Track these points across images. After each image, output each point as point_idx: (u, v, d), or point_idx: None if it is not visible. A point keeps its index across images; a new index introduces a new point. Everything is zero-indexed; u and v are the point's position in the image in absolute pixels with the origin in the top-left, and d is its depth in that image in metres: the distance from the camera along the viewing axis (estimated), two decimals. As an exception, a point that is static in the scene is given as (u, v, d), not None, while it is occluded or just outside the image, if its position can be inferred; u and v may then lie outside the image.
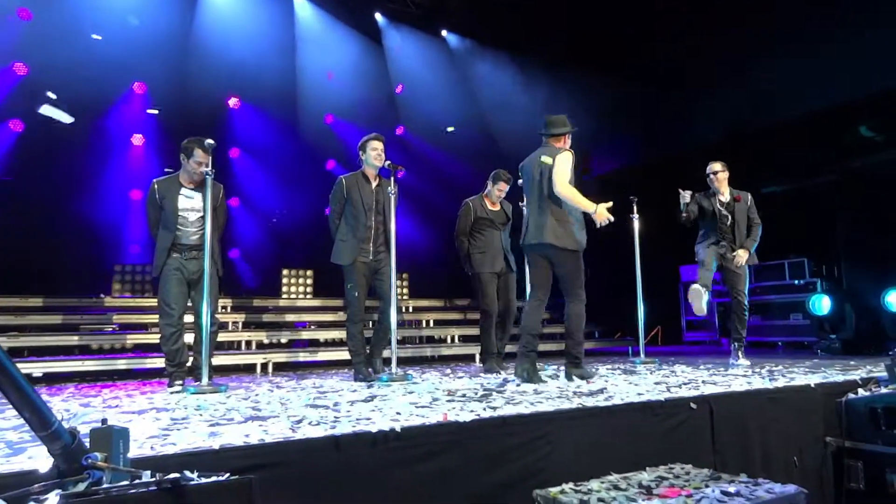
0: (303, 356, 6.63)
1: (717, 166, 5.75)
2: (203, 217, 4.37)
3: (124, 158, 8.59)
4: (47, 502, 1.36)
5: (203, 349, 4.18)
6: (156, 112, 8.12)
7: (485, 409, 2.77)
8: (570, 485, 2.44)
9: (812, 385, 3.59)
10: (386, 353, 4.94)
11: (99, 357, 5.99)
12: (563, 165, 4.24)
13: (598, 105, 8.75)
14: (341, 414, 2.77)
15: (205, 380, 4.09)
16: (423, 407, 2.95)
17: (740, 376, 4.22)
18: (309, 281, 9.58)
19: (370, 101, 10.29)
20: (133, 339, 6.32)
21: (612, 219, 4.17)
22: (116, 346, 6.49)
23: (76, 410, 3.25)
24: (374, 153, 4.80)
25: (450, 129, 8.29)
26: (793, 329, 8.27)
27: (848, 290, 7.75)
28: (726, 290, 5.80)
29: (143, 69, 8.41)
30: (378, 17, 10.34)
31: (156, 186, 4.47)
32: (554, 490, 2.38)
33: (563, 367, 4.71)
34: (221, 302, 7.36)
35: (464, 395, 3.42)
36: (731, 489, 2.33)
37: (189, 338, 4.68)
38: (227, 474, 1.62)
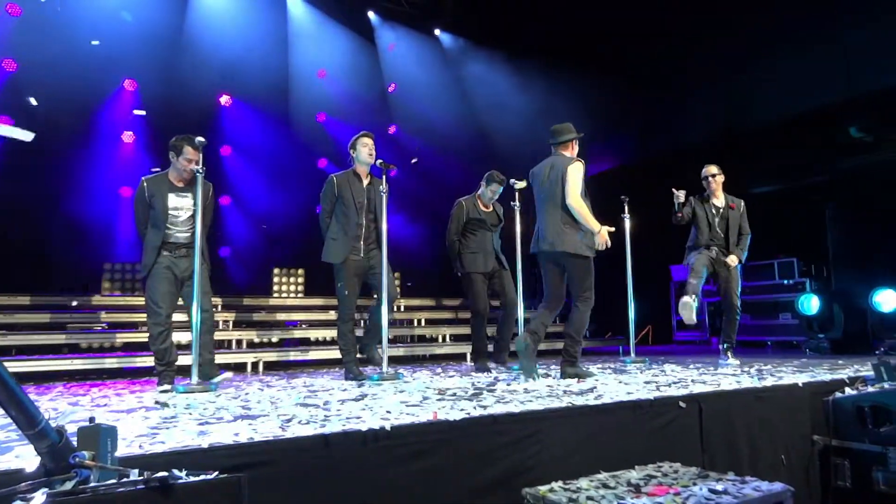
0: (293, 355, 6.62)
1: (713, 169, 5.77)
2: (193, 216, 4.34)
3: (114, 156, 8.53)
4: (34, 501, 1.35)
5: (194, 348, 4.15)
6: (142, 113, 8.07)
7: (475, 408, 2.78)
8: (560, 483, 2.45)
9: (800, 384, 3.62)
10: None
11: (88, 356, 5.96)
12: (574, 177, 4.36)
13: (589, 106, 8.77)
14: (331, 413, 2.77)
15: (194, 379, 4.06)
16: (413, 405, 2.95)
17: (729, 375, 4.25)
18: (300, 280, 9.57)
19: (363, 100, 10.26)
20: (122, 337, 6.29)
21: (609, 244, 4.37)
22: (105, 345, 6.45)
23: (64, 409, 3.23)
24: (366, 150, 4.79)
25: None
26: (782, 328, 8.34)
27: (836, 290, 7.81)
28: (716, 291, 5.82)
29: (134, 66, 8.36)
30: (371, 15, 10.33)
31: (145, 184, 4.43)
32: (543, 488, 2.39)
33: (553, 366, 4.73)
34: (212, 300, 7.34)
35: (454, 394, 3.43)
36: (719, 487, 2.35)
37: (186, 336, 4.63)
38: (216, 473, 1.62)
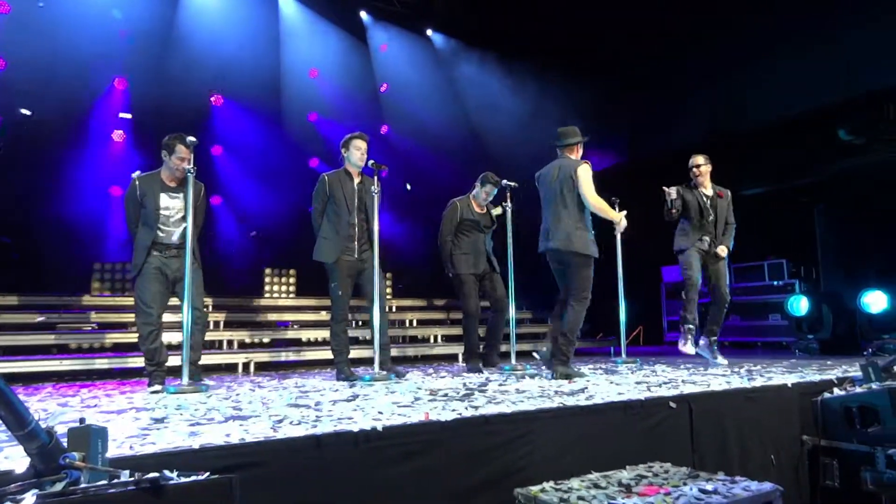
0: (285, 356, 6.60)
1: (699, 159, 5.75)
2: (185, 216, 4.32)
3: (104, 155, 8.47)
4: (24, 502, 1.35)
5: (184, 346, 4.13)
6: (128, 116, 8.05)
7: (467, 409, 2.78)
8: (551, 483, 2.46)
9: (789, 384, 3.65)
10: (368, 353, 4.93)
11: (77, 356, 5.92)
12: (586, 178, 4.53)
13: (581, 106, 8.80)
14: (323, 413, 2.77)
15: (185, 380, 4.05)
16: (405, 406, 2.95)
17: (719, 376, 4.28)
18: (292, 280, 9.54)
19: (355, 100, 10.25)
20: (112, 338, 6.25)
21: (626, 225, 4.80)
22: (95, 346, 6.41)
23: (54, 410, 3.21)
24: (358, 153, 4.79)
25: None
26: (771, 329, 8.40)
27: (825, 292, 7.88)
28: (705, 283, 5.80)
29: (125, 64, 8.31)
30: (363, 14, 10.31)
31: (137, 183, 4.40)
32: (535, 489, 2.39)
33: (545, 367, 4.75)
34: (204, 300, 7.30)
35: (446, 395, 3.43)
36: (709, 487, 2.36)
37: (176, 337, 4.61)
38: (207, 474, 1.61)
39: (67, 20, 7.70)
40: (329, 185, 4.76)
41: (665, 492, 2.29)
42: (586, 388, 3.69)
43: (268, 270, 9.43)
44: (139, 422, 2.66)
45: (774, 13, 7.66)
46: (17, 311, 6.36)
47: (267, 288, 9.39)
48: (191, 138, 4.27)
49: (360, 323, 6.79)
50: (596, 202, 4.53)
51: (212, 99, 9.38)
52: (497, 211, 5.62)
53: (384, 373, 4.58)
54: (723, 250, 5.58)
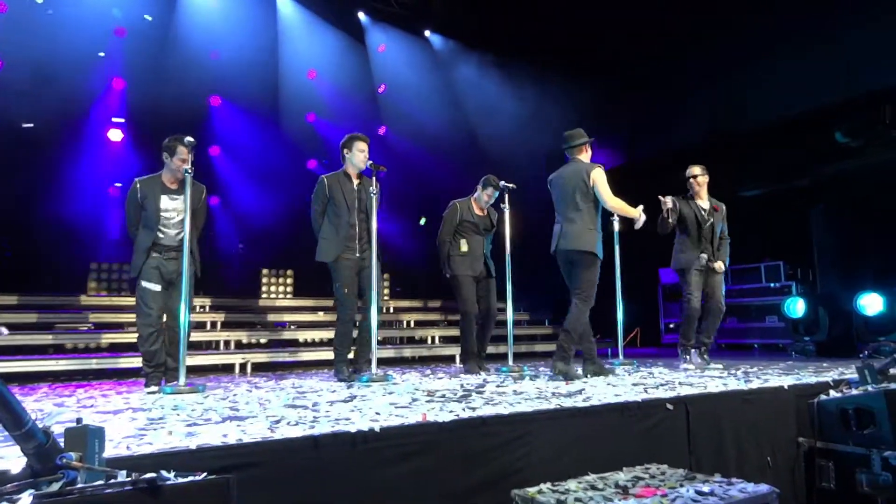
0: (282, 356, 6.59)
1: (696, 170, 5.71)
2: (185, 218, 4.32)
3: (102, 155, 8.47)
4: (20, 502, 1.34)
5: (181, 349, 4.13)
6: (121, 121, 8.04)
7: (464, 410, 2.78)
8: (548, 485, 2.46)
9: (785, 387, 3.65)
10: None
11: (73, 356, 5.91)
12: (602, 181, 4.63)
13: (580, 107, 8.81)
14: (320, 414, 2.76)
15: (182, 380, 4.04)
16: (402, 407, 2.95)
17: (716, 378, 4.28)
18: (289, 281, 9.54)
19: (353, 101, 10.25)
20: (108, 338, 6.24)
21: (644, 217, 4.85)
22: (91, 346, 6.40)
23: (50, 410, 3.20)
24: (362, 155, 4.81)
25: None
26: (768, 331, 8.41)
27: (822, 294, 7.90)
28: (703, 296, 5.80)
29: (123, 65, 8.30)
30: (361, 15, 10.31)
31: (138, 185, 4.41)
32: (532, 490, 2.39)
33: (542, 368, 4.76)
34: (200, 301, 7.31)
35: (443, 396, 3.43)
36: (706, 489, 2.36)
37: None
38: (205, 474, 1.61)
39: (66, 20, 7.69)
40: (328, 186, 4.79)
41: (662, 493, 2.30)
42: (583, 389, 3.70)
43: (265, 271, 9.43)
44: (136, 422, 2.65)
45: (774, 13, 7.64)
46: (14, 311, 6.35)
47: (264, 289, 9.39)
48: (189, 139, 4.27)
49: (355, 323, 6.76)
50: (615, 203, 4.67)
51: (210, 100, 9.38)
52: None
53: (382, 373, 4.59)
54: (720, 266, 5.57)
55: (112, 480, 1.50)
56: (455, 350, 7.25)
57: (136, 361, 5.28)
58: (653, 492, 2.32)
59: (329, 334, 7.28)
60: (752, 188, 9.10)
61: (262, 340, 7.25)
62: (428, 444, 2.37)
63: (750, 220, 8.29)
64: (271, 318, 7.73)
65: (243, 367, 6.15)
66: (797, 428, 3.59)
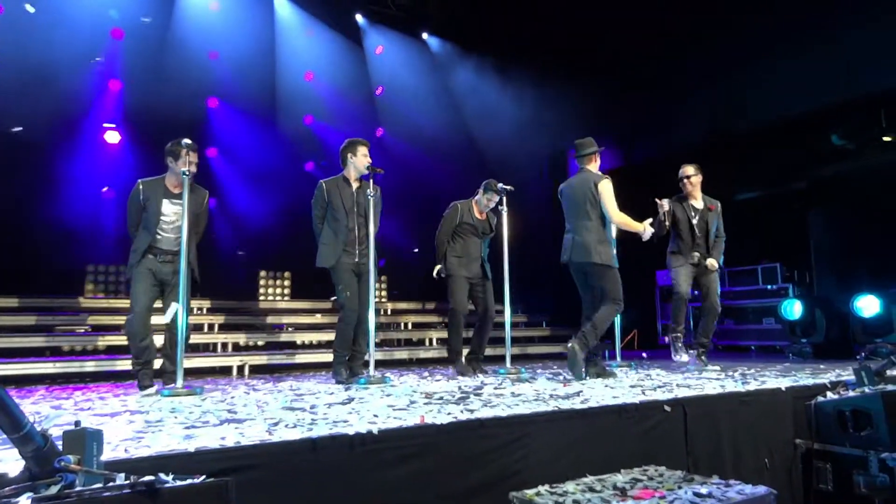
0: (280, 358, 6.59)
1: (689, 170, 5.70)
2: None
3: (99, 157, 8.45)
4: (18, 506, 1.34)
5: (179, 352, 4.12)
6: (111, 126, 8.05)
7: (462, 412, 2.78)
8: (546, 487, 2.46)
9: (783, 388, 3.66)
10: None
11: (70, 358, 5.89)
12: (608, 194, 4.72)
13: (577, 110, 8.82)
14: (318, 416, 2.76)
15: (179, 382, 4.03)
16: (400, 409, 2.96)
17: (713, 380, 4.29)
18: (286, 283, 9.53)
19: (350, 103, 10.25)
20: (106, 340, 6.23)
21: (651, 231, 4.91)
22: (89, 348, 6.39)
23: (48, 413, 3.19)
24: (365, 160, 4.84)
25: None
26: (765, 333, 8.42)
27: (819, 296, 7.92)
28: (698, 296, 5.82)
29: (120, 66, 8.29)
30: (359, 17, 10.32)
31: (141, 187, 4.41)
32: (530, 492, 2.40)
33: (539, 370, 4.77)
34: (198, 303, 7.29)
35: (441, 398, 3.43)
36: (704, 490, 2.37)
37: (158, 340, 4.58)
38: (203, 477, 1.61)
39: (62, 21, 7.67)
40: (327, 191, 4.80)
41: (660, 495, 2.30)
42: (581, 391, 3.70)
43: (263, 273, 9.42)
44: (134, 424, 2.65)
45: (774, 13, 7.64)
46: (10, 314, 6.33)
47: (262, 291, 9.38)
48: (186, 140, 4.28)
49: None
50: (619, 218, 4.74)
51: (208, 102, 9.37)
52: (494, 202, 5.61)
53: (379, 375, 4.59)
54: (713, 264, 5.57)
55: (110, 483, 1.49)
56: (453, 352, 7.24)
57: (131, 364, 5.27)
58: (651, 494, 2.33)
59: (326, 336, 7.28)
60: (749, 190, 9.12)
61: (260, 343, 7.24)
62: (426, 447, 2.37)
63: (747, 222, 8.31)
64: (269, 320, 7.73)
65: (241, 369, 6.14)
66: (794, 430, 3.59)
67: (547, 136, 9.89)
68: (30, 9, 7.27)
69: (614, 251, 4.79)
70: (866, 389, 3.58)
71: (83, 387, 4.92)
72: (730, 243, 5.82)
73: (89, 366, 5.64)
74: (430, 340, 7.92)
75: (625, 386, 3.96)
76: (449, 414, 2.71)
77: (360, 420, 2.58)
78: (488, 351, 5.74)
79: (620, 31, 8.75)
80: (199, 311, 7.25)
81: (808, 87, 7.64)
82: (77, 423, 1.59)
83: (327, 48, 9.99)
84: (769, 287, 8.47)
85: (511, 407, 2.94)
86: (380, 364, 6.32)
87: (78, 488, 1.46)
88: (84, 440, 1.54)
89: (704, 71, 8.72)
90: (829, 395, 3.70)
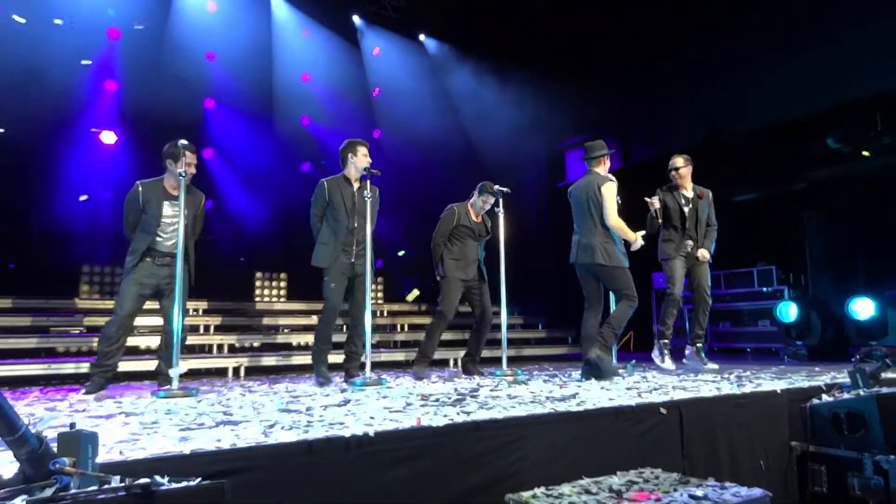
0: (275, 360, 6.58)
1: (679, 161, 5.71)
2: (186, 225, 4.31)
3: (95, 158, 8.43)
4: (12, 508, 1.34)
5: (174, 354, 4.11)
6: (97, 131, 8.04)
7: (458, 414, 2.78)
8: (542, 489, 2.46)
9: (778, 391, 3.67)
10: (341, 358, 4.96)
11: (65, 360, 5.86)
12: (610, 196, 4.81)
13: (574, 111, 8.84)
14: (314, 418, 2.76)
15: (175, 384, 4.02)
16: (396, 411, 2.95)
17: (709, 382, 4.30)
18: (283, 284, 9.51)
19: (347, 104, 10.25)
20: (101, 341, 6.19)
21: (643, 242, 5.02)
22: (84, 349, 6.37)
23: (42, 415, 3.18)
24: (366, 159, 4.87)
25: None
26: (761, 335, 8.44)
27: (814, 298, 7.93)
28: (688, 286, 5.80)
29: (117, 67, 8.28)
30: (356, 19, 10.33)
31: (140, 189, 4.39)
32: (526, 494, 2.40)
33: (535, 372, 4.77)
34: (193, 304, 7.27)
35: (438, 400, 3.43)
36: (699, 493, 2.37)
37: (156, 341, 4.60)
38: (199, 479, 1.61)
39: (57, 19, 7.65)
40: (328, 190, 4.80)
41: (655, 497, 2.30)
42: (577, 393, 3.70)
43: (258, 274, 9.40)
44: (129, 426, 2.64)
45: (774, 14, 7.66)
46: (5, 315, 6.30)
47: (258, 292, 9.36)
48: (182, 141, 4.28)
49: (344, 328, 6.75)
50: (615, 223, 4.80)
51: (205, 103, 9.36)
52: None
53: (376, 377, 4.58)
54: (704, 254, 5.58)
55: (105, 486, 1.49)
56: (450, 354, 7.26)
57: (127, 365, 5.26)
58: (647, 496, 2.33)
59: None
60: (744, 194, 9.13)
61: (256, 344, 7.23)
62: (422, 449, 2.36)
63: (743, 224, 8.33)
64: (265, 321, 7.71)
65: (237, 370, 6.12)
66: (790, 432, 3.60)
67: (544, 137, 9.92)
68: (20, 19, 7.26)
69: (623, 250, 4.85)
70: (861, 392, 3.60)
71: (78, 388, 4.89)
72: (727, 245, 5.84)
73: (84, 367, 5.61)
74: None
75: (621, 388, 3.96)
76: (445, 416, 2.70)
77: (357, 422, 2.58)
78: (484, 353, 5.74)
79: (619, 32, 8.76)
80: (195, 313, 7.24)
81: (806, 89, 7.66)
82: (72, 425, 1.58)
83: (324, 49, 10.00)
84: (765, 290, 8.49)
85: (507, 409, 2.94)
86: (376, 366, 6.31)
87: (73, 491, 1.46)
88: (79, 442, 1.54)
89: (703, 73, 8.74)
90: (825, 397, 3.71)
